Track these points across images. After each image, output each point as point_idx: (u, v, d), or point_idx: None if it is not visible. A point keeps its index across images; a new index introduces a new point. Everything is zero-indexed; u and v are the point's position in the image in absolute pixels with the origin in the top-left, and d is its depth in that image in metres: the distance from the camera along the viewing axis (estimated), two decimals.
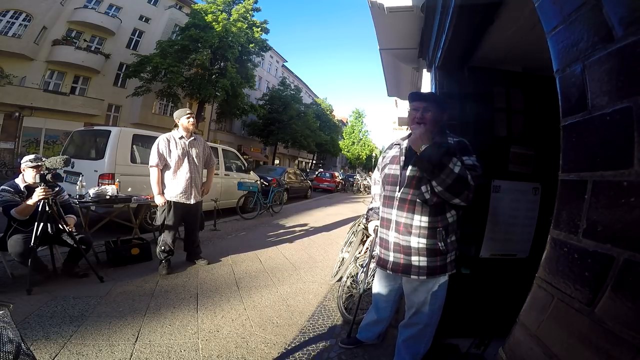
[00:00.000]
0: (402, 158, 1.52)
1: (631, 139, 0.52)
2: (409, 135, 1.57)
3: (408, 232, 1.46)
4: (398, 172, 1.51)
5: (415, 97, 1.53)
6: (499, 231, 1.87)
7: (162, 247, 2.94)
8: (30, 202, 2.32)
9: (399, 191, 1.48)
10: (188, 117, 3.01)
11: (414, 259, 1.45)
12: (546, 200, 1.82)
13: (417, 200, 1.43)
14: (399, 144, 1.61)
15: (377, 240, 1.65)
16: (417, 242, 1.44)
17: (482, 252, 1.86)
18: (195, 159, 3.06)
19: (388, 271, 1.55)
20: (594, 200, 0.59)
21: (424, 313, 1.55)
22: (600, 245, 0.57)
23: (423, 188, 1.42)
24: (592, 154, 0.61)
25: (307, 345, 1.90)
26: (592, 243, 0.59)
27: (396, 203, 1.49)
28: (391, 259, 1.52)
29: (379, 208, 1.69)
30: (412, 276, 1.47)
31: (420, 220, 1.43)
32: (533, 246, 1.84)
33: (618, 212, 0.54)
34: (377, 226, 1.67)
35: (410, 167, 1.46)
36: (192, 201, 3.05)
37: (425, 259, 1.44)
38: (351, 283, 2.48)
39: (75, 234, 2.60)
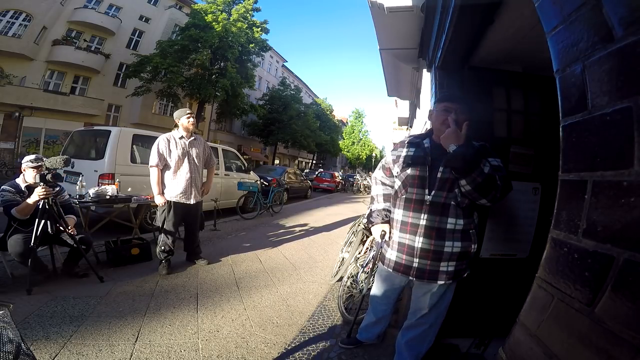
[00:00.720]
0: (429, 158, 1.44)
1: (631, 139, 0.52)
2: (428, 133, 1.54)
3: (442, 236, 1.39)
4: (425, 174, 1.43)
5: (447, 97, 1.48)
6: (499, 231, 1.87)
7: (162, 247, 2.94)
8: (30, 201, 2.32)
9: (429, 194, 1.40)
10: (188, 117, 3.01)
11: (443, 264, 1.41)
12: (546, 200, 1.82)
13: (452, 203, 1.38)
14: (416, 143, 1.52)
15: (395, 245, 1.53)
16: (452, 245, 1.39)
17: (482, 252, 1.86)
18: (195, 159, 3.06)
19: (411, 277, 1.48)
20: (594, 200, 0.59)
21: (431, 314, 1.54)
22: (600, 245, 0.57)
23: (457, 191, 1.37)
24: (592, 154, 0.61)
25: (307, 345, 1.90)
26: (592, 243, 0.59)
27: (426, 207, 1.40)
28: (416, 265, 1.44)
29: (384, 210, 1.61)
30: (439, 282, 1.43)
31: (455, 224, 1.38)
32: (533, 246, 1.84)
33: (618, 212, 0.54)
34: (385, 231, 1.58)
35: (442, 169, 1.39)
36: (192, 201, 3.04)
37: (454, 263, 1.41)
38: (351, 283, 2.48)
39: (75, 234, 2.59)
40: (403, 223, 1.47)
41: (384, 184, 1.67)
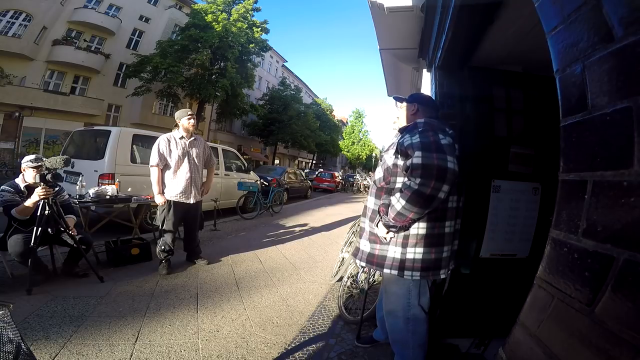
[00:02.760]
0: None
1: (631, 139, 0.52)
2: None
3: (364, 214, 1.56)
4: None
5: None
6: (499, 231, 1.87)
7: (162, 247, 2.94)
8: (30, 201, 2.32)
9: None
10: (189, 119, 3.01)
11: (363, 242, 1.51)
12: (546, 200, 1.82)
13: (373, 183, 1.56)
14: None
15: None
16: (367, 223, 1.52)
17: (482, 252, 1.86)
18: (195, 159, 3.06)
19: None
20: (594, 200, 0.59)
21: (388, 320, 1.57)
22: (600, 245, 0.57)
23: (377, 170, 1.52)
24: (592, 154, 0.61)
25: (307, 345, 1.90)
26: (592, 243, 0.59)
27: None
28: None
29: None
30: (356, 260, 1.55)
31: (373, 203, 1.50)
32: (533, 246, 1.84)
33: (618, 212, 0.54)
34: None
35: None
36: (192, 201, 3.05)
37: (367, 242, 1.48)
38: (351, 283, 2.48)
39: (75, 234, 2.59)
40: None
41: None
